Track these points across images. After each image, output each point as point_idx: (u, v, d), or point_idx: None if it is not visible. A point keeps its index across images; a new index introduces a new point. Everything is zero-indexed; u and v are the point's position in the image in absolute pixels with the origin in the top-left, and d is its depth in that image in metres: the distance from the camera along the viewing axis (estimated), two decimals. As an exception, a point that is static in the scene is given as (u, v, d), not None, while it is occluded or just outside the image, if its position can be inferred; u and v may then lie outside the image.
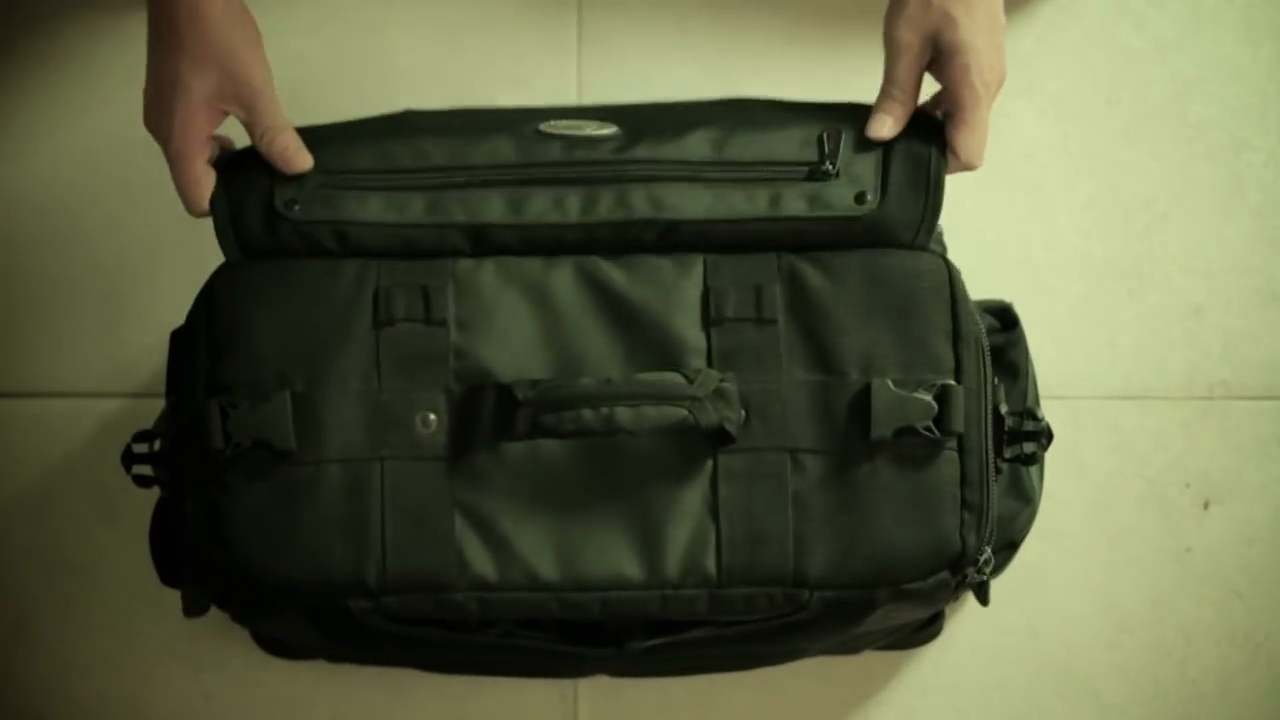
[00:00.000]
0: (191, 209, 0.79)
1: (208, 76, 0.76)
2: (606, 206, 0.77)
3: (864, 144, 0.78)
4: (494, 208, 0.77)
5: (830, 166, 0.77)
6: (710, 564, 0.75)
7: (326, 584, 0.75)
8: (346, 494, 0.75)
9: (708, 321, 0.76)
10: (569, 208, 0.77)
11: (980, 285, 0.95)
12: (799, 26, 1.03)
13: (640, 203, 0.76)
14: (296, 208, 0.77)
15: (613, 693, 0.98)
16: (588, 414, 0.72)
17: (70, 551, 1.00)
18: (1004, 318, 0.93)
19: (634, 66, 1.03)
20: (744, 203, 0.77)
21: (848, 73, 1.03)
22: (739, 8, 1.04)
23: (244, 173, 0.78)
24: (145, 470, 0.78)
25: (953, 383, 0.75)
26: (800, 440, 0.75)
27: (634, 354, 0.76)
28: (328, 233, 0.77)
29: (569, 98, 1.03)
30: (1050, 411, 0.90)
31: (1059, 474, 0.96)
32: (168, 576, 0.84)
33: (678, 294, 0.77)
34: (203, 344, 0.77)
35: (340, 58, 1.04)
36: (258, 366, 0.76)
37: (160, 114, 0.77)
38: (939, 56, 0.77)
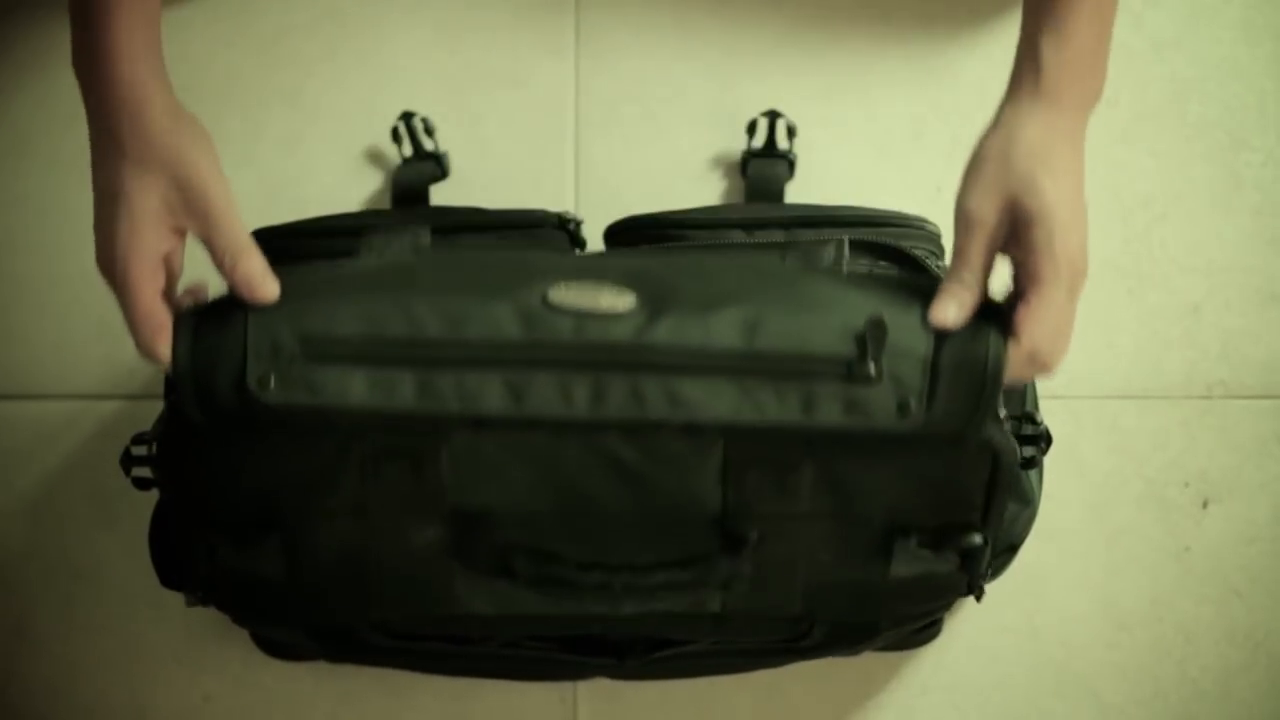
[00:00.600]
0: (143, 351, 0.69)
1: (154, 185, 0.67)
2: (617, 401, 0.68)
3: (911, 334, 0.68)
4: (492, 394, 0.68)
5: (871, 369, 0.67)
6: (716, 604, 0.76)
7: (327, 620, 0.75)
8: (342, 562, 0.75)
9: (725, 484, 0.71)
10: (576, 399, 0.68)
11: (979, 285, 0.95)
12: (799, 25, 1.03)
13: (656, 397, 0.68)
14: (272, 386, 0.68)
15: (613, 695, 0.98)
16: (589, 603, 0.73)
17: (71, 553, 1.00)
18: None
19: (632, 66, 1.03)
20: (773, 404, 0.68)
21: (848, 72, 1.03)
22: (738, 7, 1.04)
23: (213, 334, 0.69)
24: (144, 472, 0.78)
25: (978, 540, 0.73)
26: (816, 552, 0.74)
27: (643, 503, 0.72)
28: (306, 414, 0.69)
29: (567, 98, 1.03)
30: (1049, 411, 0.90)
31: (1058, 473, 0.96)
32: (168, 578, 0.84)
33: (696, 467, 0.71)
34: (173, 489, 0.75)
35: (340, 58, 1.04)
36: (237, 511, 0.73)
37: (104, 238, 0.68)
38: (1015, 228, 0.68)
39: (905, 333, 0.68)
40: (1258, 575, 1.00)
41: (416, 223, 0.86)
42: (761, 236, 0.85)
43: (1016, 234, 0.68)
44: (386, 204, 1.00)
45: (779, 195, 0.98)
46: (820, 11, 1.04)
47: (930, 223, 0.88)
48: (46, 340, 1.02)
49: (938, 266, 0.83)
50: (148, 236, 0.68)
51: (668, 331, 0.68)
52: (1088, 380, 1.01)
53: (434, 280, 0.72)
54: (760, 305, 0.69)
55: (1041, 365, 0.68)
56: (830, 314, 0.69)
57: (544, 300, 0.69)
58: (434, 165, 0.99)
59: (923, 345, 0.68)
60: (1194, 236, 1.02)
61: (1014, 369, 0.68)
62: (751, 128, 1.00)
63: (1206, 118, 1.02)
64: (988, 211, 0.68)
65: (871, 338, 0.67)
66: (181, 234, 0.69)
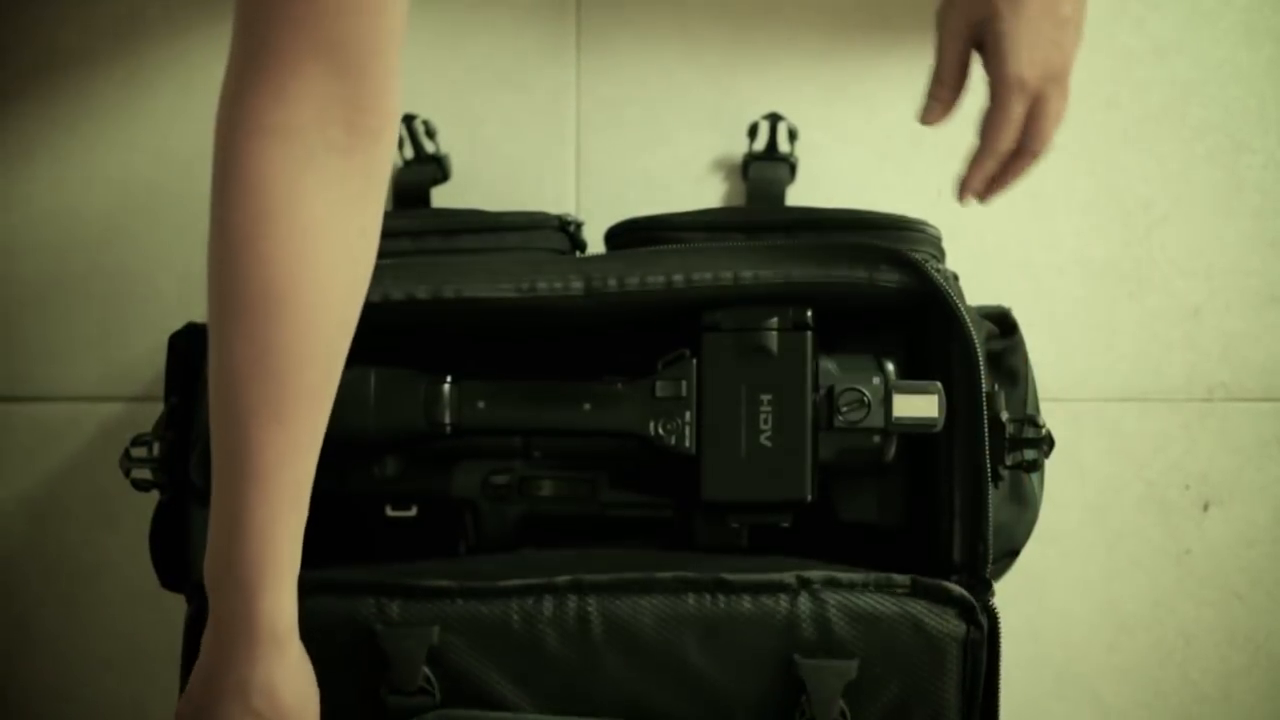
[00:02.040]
0: None
1: None
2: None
3: None
4: None
5: None
6: None
7: None
8: None
9: None
10: None
11: (980, 289, 0.95)
12: (800, 29, 1.03)
13: None
14: None
15: None
16: None
17: (71, 554, 1.00)
18: (1003, 323, 0.93)
19: (633, 69, 1.03)
20: None
21: (849, 76, 1.03)
22: (739, 11, 1.04)
23: None
24: (144, 474, 0.78)
25: None
26: None
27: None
28: None
29: (568, 101, 1.03)
30: (1050, 414, 0.90)
31: (1059, 476, 0.95)
32: (168, 579, 0.84)
33: None
34: None
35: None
36: None
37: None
38: (982, 49, 0.77)
39: None
40: (1258, 578, 1.00)
41: (417, 224, 0.86)
42: (761, 240, 0.85)
43: (982, 52, 0.77)
44: (388, 206, 1.00)
45: (780, 198, 0.98)
46: (821, 15, 1.04)
47: (931, 226, 0.88)
48: (47, 342, 1.02)
49: (939, 270, 0.83)
50: None
51: None
52: (1088, 383, 1.01)
53: None
54: None
55: (1010, 168, 0.77)
56: None
57: None
58: (435, 167, 0.99)
59: None
60: (1195, 239, 1.02)
61: (983, 166, 0.77)
62: (753, 131, 1.00)
63: (1207, 120, 1.02)
64: (959, 24, 0.77)
65: None
66: None
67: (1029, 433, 0.78)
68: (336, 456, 0.76)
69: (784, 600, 0.73)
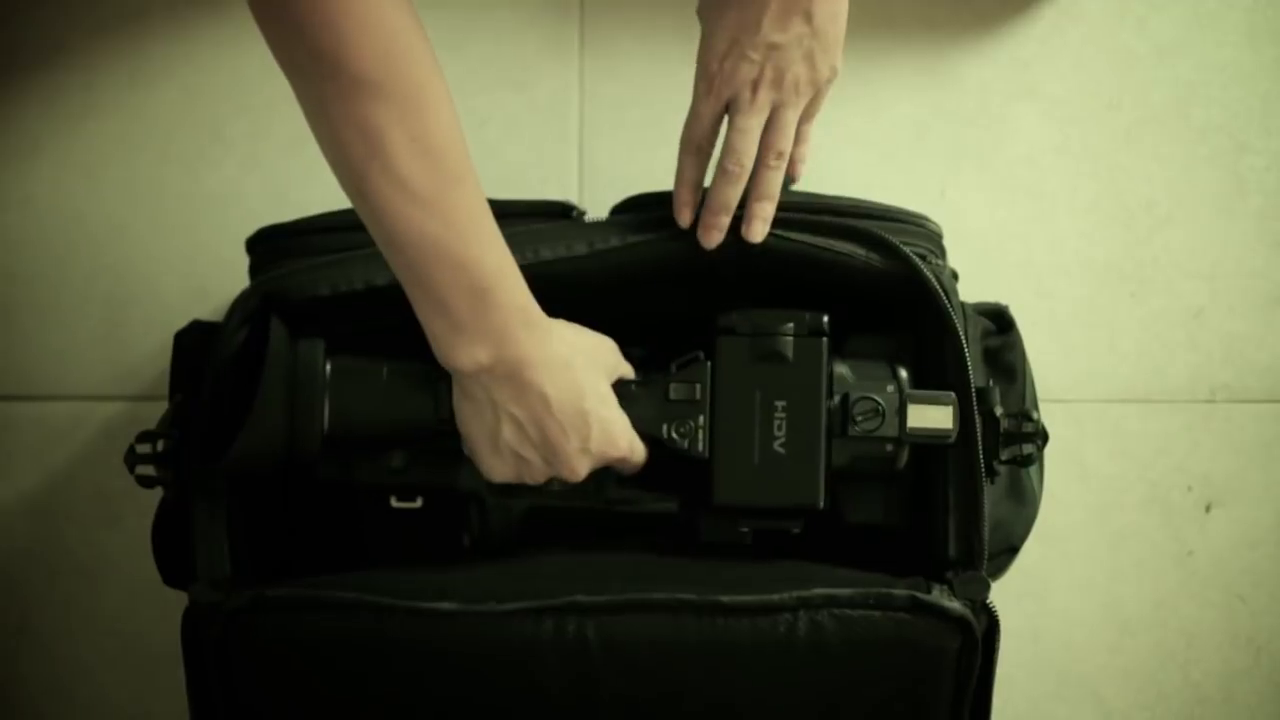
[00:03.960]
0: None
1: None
2: None
3: None
4: None
5: None
6: None
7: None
8: None
9: None
10: None
11: (982, 288, 0.95)
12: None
13: None
14: None
15: None
16: None
17: (74, 552, 1.00)
18: (1000, 320, 0.93)
19: (636, 69, 1.04)
20: None
21: (851, 75, 1.03)
22: (741, 11, 1.04)
23: None
24: (149, 471, 0.78)
25: None
26: None
27: None
28: None
29: (571, 101, 1.03)
30: (1052, 415, 0.90)
31: (1061, 477, 0.96)
32: (170, 578, 0.84)
33: None
34: None
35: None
36: None
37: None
38: None
39: None
40: (1260, 579, 1.00)
41: None
42: None
43: None
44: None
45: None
46: (824, 15, 1.04)
47: (931, 221, 0.88)
48: (50, 341, 1.02)
49: (936, 265, 0.83)
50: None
51: None
52: (1090, 384, 1.01)
53: None
54: None
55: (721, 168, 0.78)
56: None
57: None
58: None
59: None
60: (1197, 240, 1.02)
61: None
62: (755, 130, 1.00)
63: (1210, 122, 1.02)
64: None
65: None
66: None
67: (1025, 427, 0.78)
68: (344, 447, 0.77)
69: (782, 622, 0.74)
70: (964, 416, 0.76)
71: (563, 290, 0.79)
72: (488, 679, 0.74)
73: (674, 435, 0.78)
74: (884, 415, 0.77)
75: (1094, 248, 1.02)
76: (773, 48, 0.75)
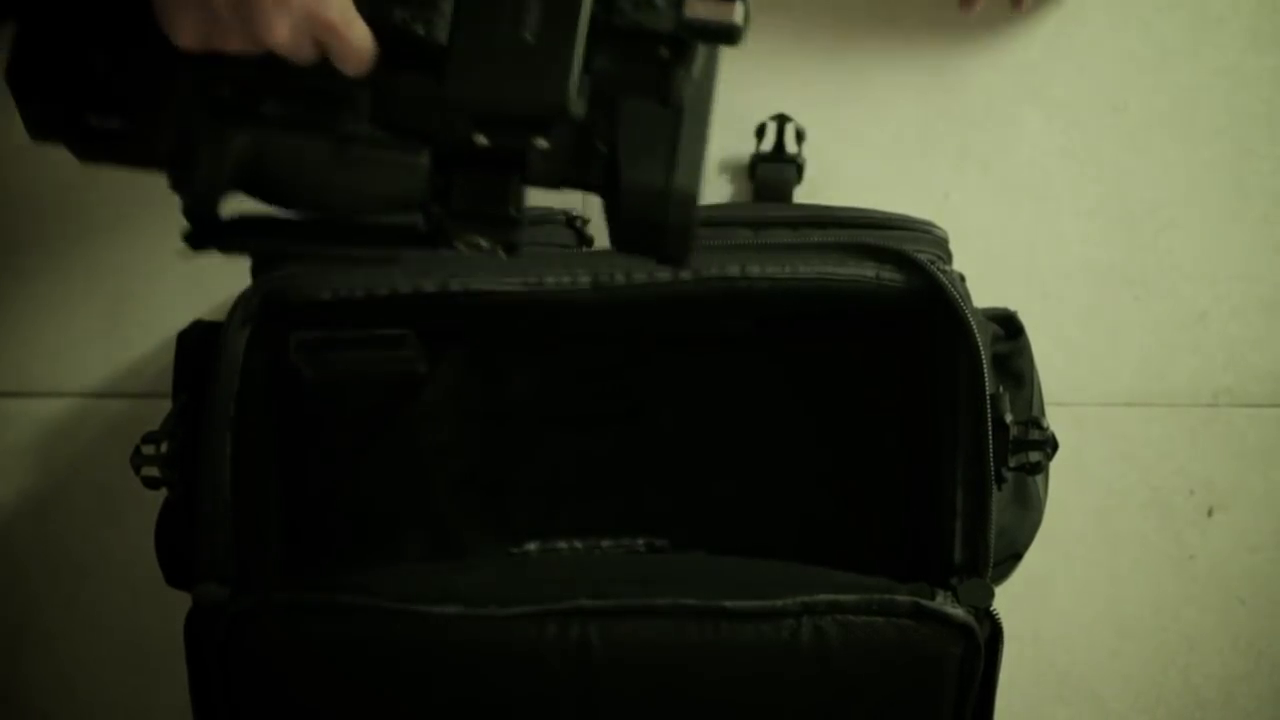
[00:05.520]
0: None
1: None
2: None
3: None
4: None
5: None
6: None
7: None
8: None
9: None
10: None
11: (986, 292, 0.95)
12: (808, 30, 1.03)
13: None
14: None
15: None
16: None
17: (75, 551, 1.00)
18: (1009, 326, 0.93)
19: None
20: None
21: (856, 77, 1.03)
22: (746, 12, 1.04)
23: None
24: (154, 472, 0.78)
25: None
26: None
27: None
28: None
29: (576, 101, 1.03)
30: (1054, 418, 0.90)
31: (1063, 480, 0.95)
32: (173, 577, 0.84)
33: None
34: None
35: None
36: None
37: None
38: None
39: None
40: (1262, 584, 1.00)
41: None
42: (768, 236, 0.85)
43: None
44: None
45: (787, 199, 0.98)
46: (829, 17, 1.04)
47: (937, 227, 0.88)
48: (51, 338, 1.02)
49: (944, 271, 0.83)
50: None
51: None
52: (1093, 387, 1.01)
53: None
54: None
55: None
56: None
57: None
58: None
59: None
60: (1201, 244, 1.02)
61: None
62: (760, 131, 1.00)
63: (1214, 126, 1.02)
64: None
65: None
66: None
67: (1033, 434, 0.78)
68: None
69: (785, 628, 0.74)
70: (978, 423, 0.76)
71: (558, 320, 0.79)
72: (491, 682, 0.74)
73: (408, 19, 0.62)
74: (659, 6, 0.61)
75: (1097, 251, 1.02)
76: None
